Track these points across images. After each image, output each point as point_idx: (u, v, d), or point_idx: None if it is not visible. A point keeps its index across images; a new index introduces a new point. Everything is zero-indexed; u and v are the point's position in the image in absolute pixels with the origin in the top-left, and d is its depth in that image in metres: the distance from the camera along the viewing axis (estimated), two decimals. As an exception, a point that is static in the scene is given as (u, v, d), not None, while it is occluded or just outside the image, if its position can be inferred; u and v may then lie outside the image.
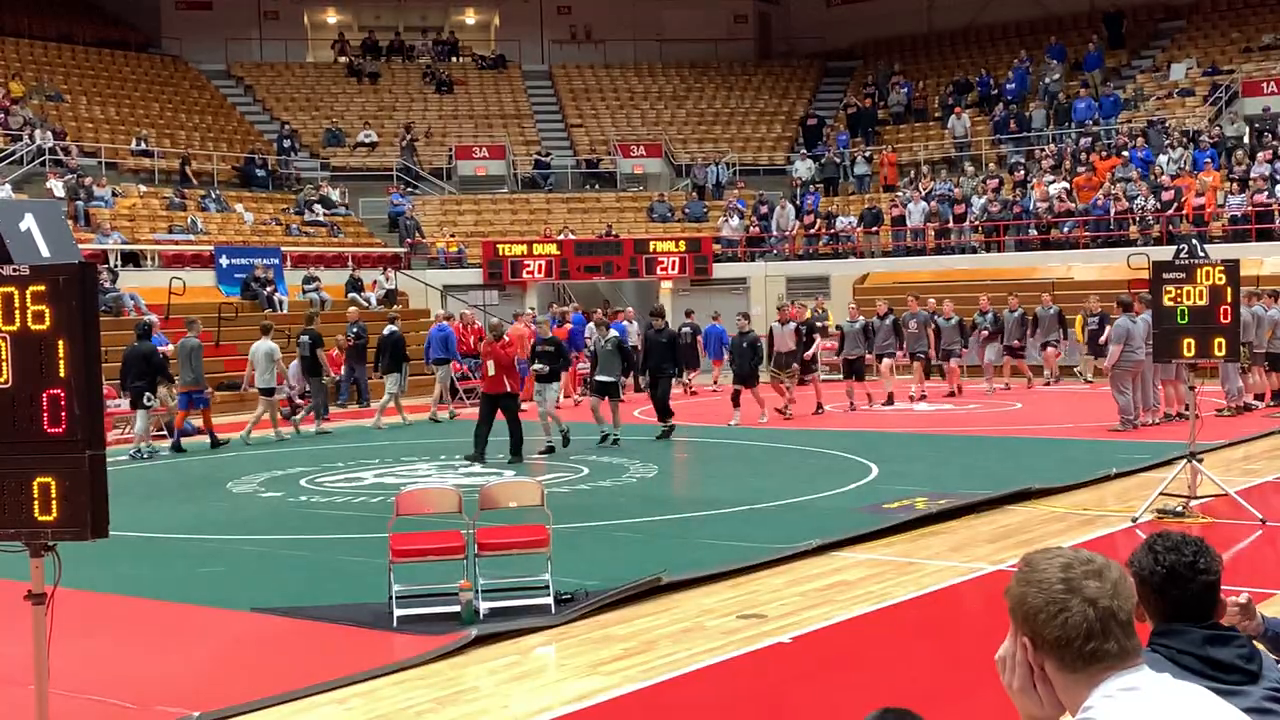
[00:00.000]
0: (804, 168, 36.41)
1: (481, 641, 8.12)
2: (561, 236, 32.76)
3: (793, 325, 21.30)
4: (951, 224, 31.79)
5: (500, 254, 31.69)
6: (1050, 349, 25.56)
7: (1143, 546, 3.32)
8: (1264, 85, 32.23)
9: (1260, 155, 29.06)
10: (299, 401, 21.75)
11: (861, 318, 22.73)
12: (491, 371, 16.83)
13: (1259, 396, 20.59)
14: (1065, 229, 30.18)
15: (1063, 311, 25.26)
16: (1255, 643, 3.34)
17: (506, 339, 17.44)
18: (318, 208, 32.95)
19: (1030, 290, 29.11)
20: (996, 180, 32.30)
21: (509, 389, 16.77)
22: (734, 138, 39.12)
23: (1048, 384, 25.34)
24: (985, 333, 24.60)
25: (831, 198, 35.50)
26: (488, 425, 16.67)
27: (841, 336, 23.00)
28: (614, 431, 17.97)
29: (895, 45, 41.97)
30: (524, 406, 18.05)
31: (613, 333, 19.66)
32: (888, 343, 23.03)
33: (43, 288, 5.04)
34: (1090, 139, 32.58)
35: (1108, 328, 25.35)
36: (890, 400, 22.84)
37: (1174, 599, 3.20)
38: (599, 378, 18.74)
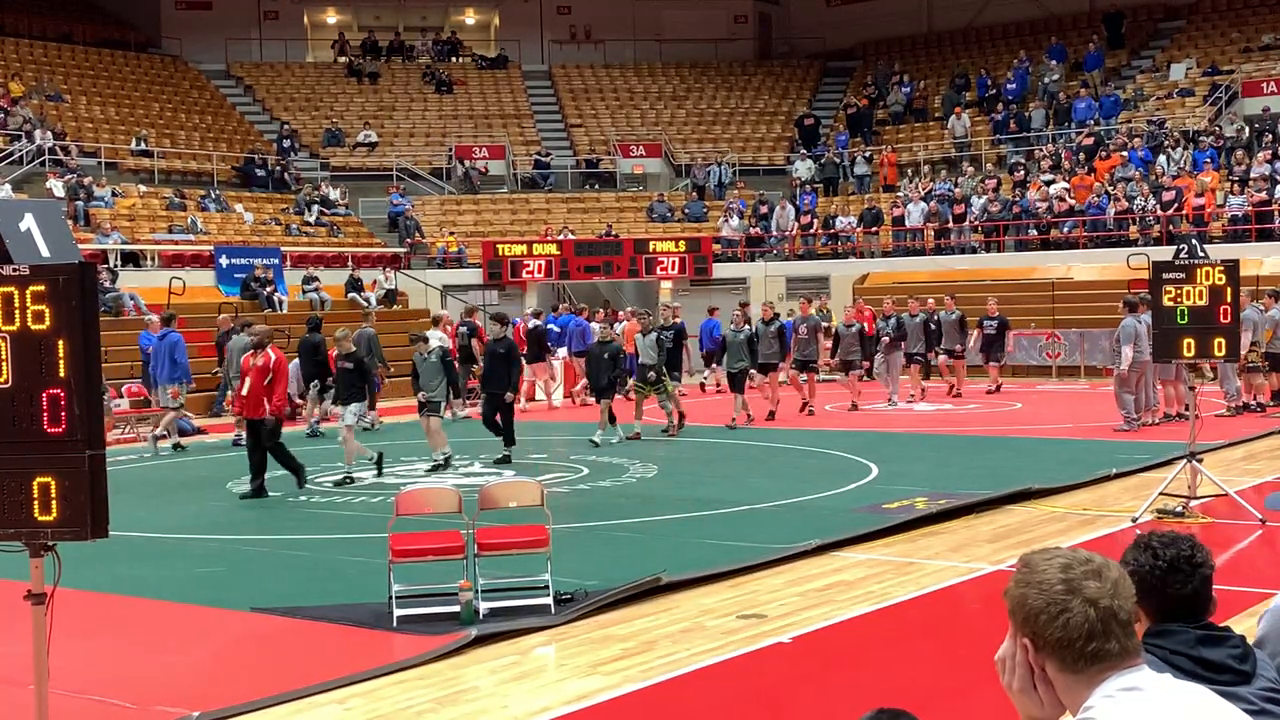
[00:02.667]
0: (804, 168, 36.41)
1: (481, 641, 8.12)
2: (561, 236, 32.76)
3: (654, 335, 19.13)
4: (951, 224, 31.79)
5: (500, 254, 31.69)
6: (953, 357, 23.96)
7: (1136, 545, 3.31)
8: (1264, 85, 32.25)
9: (1260, 155, 29.07)
10: (297, 401, 21.72)
11: (749, 326, 20.48)
12: (244, 390, 14.31)
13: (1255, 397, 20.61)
14: (1065, 229, 30.18)
15: (964, 317, 24.01)
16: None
17: (271, 353, 14.37)
18: (315, 208, 32.89)
19: (1030, 290, 29.17)
20: (996, 180, 32.30)
21: (269, 411, 14.12)
22: (734, 138, 39.12)
23: (955, 393, 23.60)
24: (887, 339, 22.77)
25: (831, 198, 35.51)
26: (258, 452, 14.29)
27: (723, 345, 20.83)
28: (440, 456, 15.93)
29: (895, 45, 41.99)
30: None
31: (435, 343, 16.61)
32: (772, 351, 20.85)
33: (43, 288, 5.04)
34: (1091, 139, 32.58)
35: (1007, 334, 24.53)
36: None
37: (1173, 595, 3.20)
38: (419, 396, 16.08)
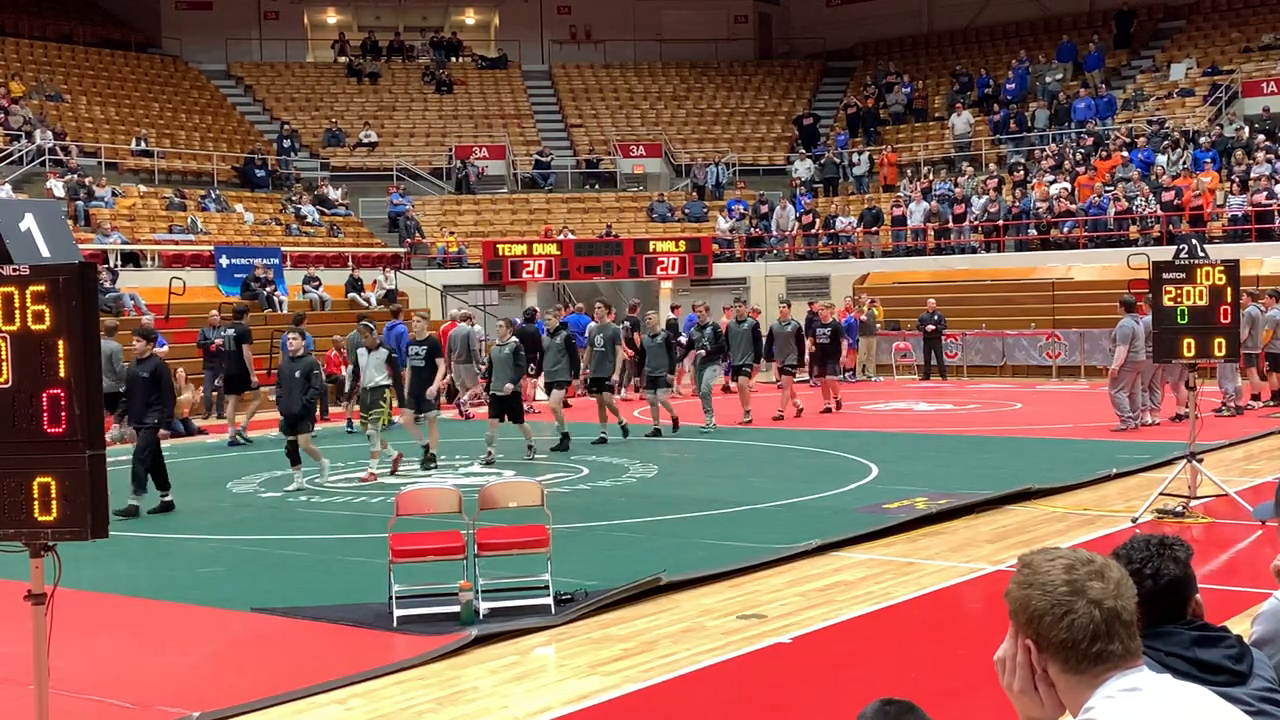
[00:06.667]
0: (804, 168, 36.42)
1: (481, 641, 8.12)
2: (561, 236, 32.77)
3: (384, 353, 15.98)
4: (951, 224, 31.80)
5: (500, 254, 31.70)
6: (787, 374, 20.75)
7: (1115, 557, 3.31)
8: (1264, 85, 32.25)
9: (1260, 155, 29.06)
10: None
11: (514, 338, 16.96)
12: None
13: (1255, 397, 20.63)
14: (1065, 229, 30.20)
15: (801, 329, 21.27)
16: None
17: None
18: (308, 209, 32.80)
19: (1030, 290, 29.16)
20: (996, 180, 32.31)
21: None
22: (734, 138, 39.13)
23: (779, 416, 20.48)
24: (703, 351, 19.82)
25: (831, 198, 35.53)
26: None
27: (490, 365, 17.47)
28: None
29: (895, 45, 42.01)
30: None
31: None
32: (557, 367, 17.70)
33: (43, 288, 5.04)
34: (1090, 139, 32.58)
35: (842, 341, 21.99)
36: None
37: (1152, 590, 3.19)
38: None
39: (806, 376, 23.51)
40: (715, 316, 23.80)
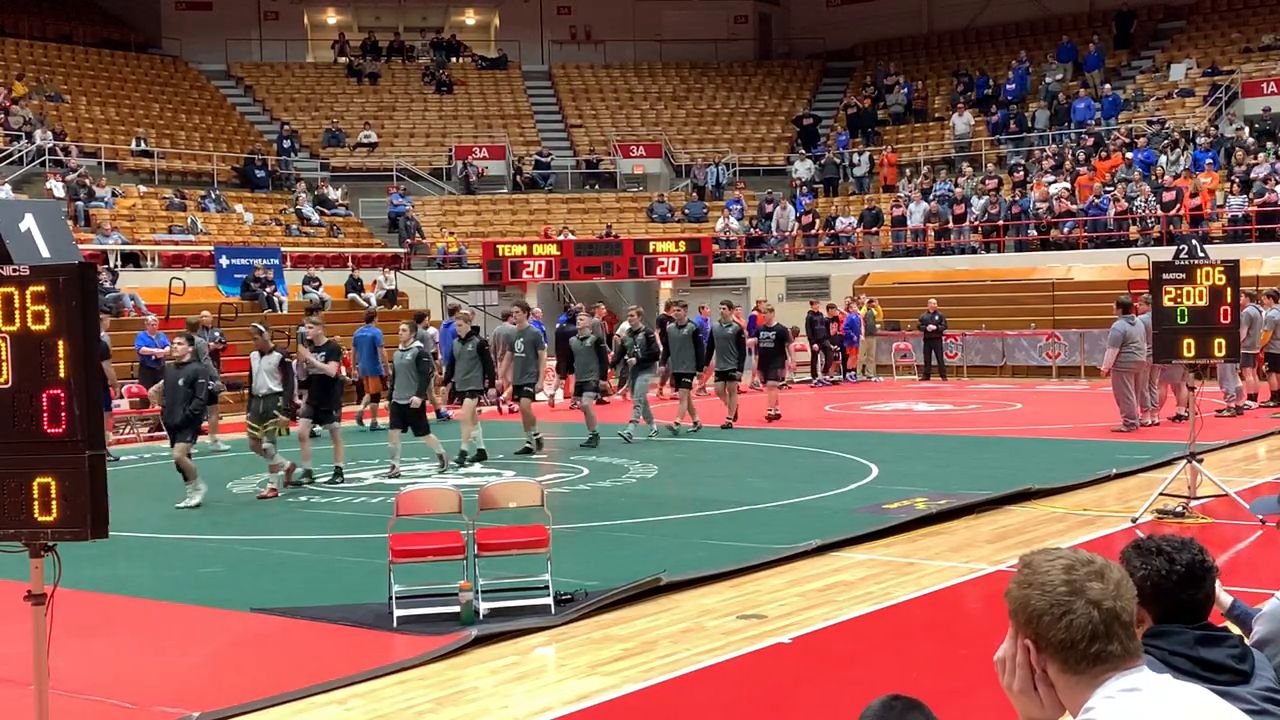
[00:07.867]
0: (804, 168, 36.43)
1: (481, 642, 8.12)
2: (561, 237, 32.77)
3: (276, 357, 14.57)
4: (951, 224, 31.81)
5: (500, 254, 31.70)
6: (727, 378, 19.95)
7: (1143, 550, 3.29)
8: (1264, 85, 32.25)
9: (1260, 155, 29.06)
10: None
11: (417, 344, 15.78)
12: None
13: (1252, 396, 20.63)
14: (1065, 229, 30.19)
15: (742, 332, 20.52)
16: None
17: None
18: (308, 209, 32.81)
19: (1030, 290, 29.16)
20: (996, 180, 32.31)
21: None
22: (734, 138, 39.13)
23: (729, 424, 19.47)
24: (635, 358, 18.81)
25: (831, 198, 35.53)
26: None
27: (392, 373, 16.09)
28: None
29: (895, 45, 42.02)
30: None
31: None
32: (470, 375, 16.67)
33: (43, 288, 5.04)
34: (1091, 139, 32.59)
35: (787, 346, 21.24)
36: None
37: (1185, 600, 3.19)
38: None
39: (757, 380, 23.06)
40: (712, 317, 23.61)
